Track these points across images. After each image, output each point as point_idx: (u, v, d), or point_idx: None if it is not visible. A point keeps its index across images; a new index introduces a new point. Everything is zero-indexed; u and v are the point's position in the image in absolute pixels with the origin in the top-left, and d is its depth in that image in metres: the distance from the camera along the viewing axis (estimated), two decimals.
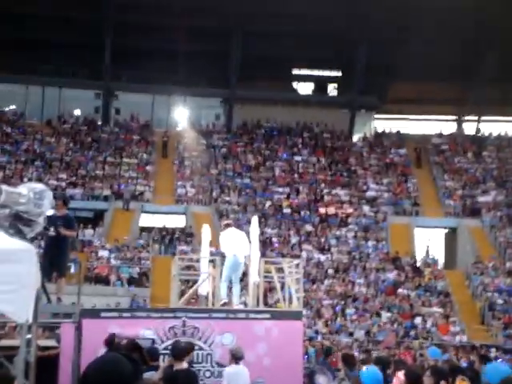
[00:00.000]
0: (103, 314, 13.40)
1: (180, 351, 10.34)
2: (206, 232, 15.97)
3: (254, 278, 14.64)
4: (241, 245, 14.25)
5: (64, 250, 12.82)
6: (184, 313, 13.86)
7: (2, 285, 6.98)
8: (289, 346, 13.56)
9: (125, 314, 13.81)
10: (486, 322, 33.08)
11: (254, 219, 15.51)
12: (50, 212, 12.09)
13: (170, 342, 13.57)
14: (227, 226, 14.91)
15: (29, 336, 7.72)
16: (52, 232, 12.77)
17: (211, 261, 15.33)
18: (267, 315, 13.97)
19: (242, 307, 14.83)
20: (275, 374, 13.06)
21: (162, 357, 12.47)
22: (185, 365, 10.20)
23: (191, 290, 15.14)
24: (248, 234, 15.05)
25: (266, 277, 15.84)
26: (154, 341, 13.21)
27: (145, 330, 13.33)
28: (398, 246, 37.39)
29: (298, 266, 15.09)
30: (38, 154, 41.21)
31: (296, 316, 14.02)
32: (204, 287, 15.11)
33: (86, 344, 11.89)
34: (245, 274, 15.86)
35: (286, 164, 42.97)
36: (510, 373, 10.42)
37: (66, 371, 12.45)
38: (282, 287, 15.25)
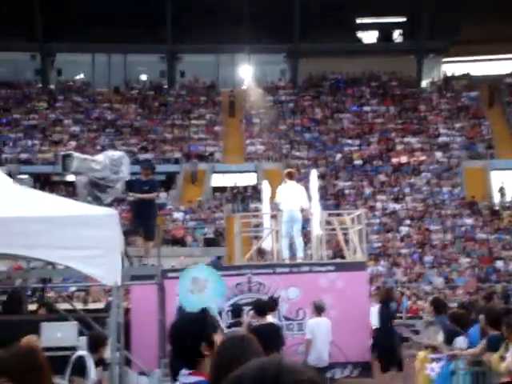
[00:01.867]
0: (170, 275, 13.65)
1: (262, 307, 10.55)
2: (265, 188, 16.01)
3: (316, 231, 14.64)
4: (295, 198, 14.20)
5: (151, 214, 12.99)
6: (249, 269, 14.01)
7: (90, 249, 7.26)
8: (354, 296, 13.58)
9: None
10: None
11: (313, 173, 15.46)
12: (134, 177, 12.40)
13: (236, 299, 13.78)
14: (289, 175, 14.69)
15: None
16: (130, 197, 12.97)
17: (273, 216, 15.38)
18: (331, 267, 14.00)
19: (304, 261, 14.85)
20: (342, 326, 13.11)
21: (228, 313, 12.70)
22: (269, 319, 10.38)
23: (255, 247, 15.25)
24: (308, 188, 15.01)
25: (332, 229, 15.83)
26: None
27: None
28: (473, 190, 36.66)
29: (359, 217, 14.98)
30: (108, 121, 41.95)
31: (360, 267, 14.00)
32: (267, 243, 15.20)
33: (152, 304, 12.16)
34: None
35: (354, 115, 42.48)
36: None
37: (138, 331, 12.80)
38: (347, 239, 15.22)
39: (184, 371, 3.87)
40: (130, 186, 12.77)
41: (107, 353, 8.26)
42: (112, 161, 11.64)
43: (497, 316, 8.93)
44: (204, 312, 4.23)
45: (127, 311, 12.70)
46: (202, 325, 4.01)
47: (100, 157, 11.50)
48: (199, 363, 3.87)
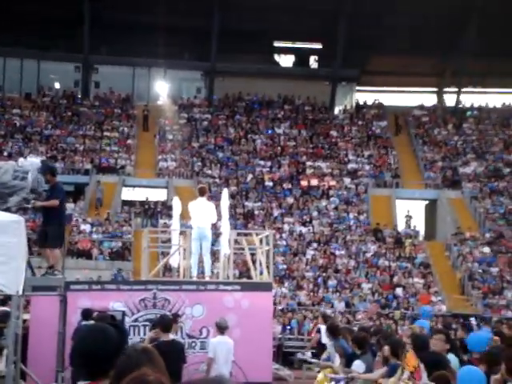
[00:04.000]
0: (73, 287, 13.44)
1: (166, 323, 10.47)
2: (176, 204, 15.98)
3: (224, 249, 14.70)
4: (205, 216, 14.25)
5: (49, 221, 12.44)
6: (155, 285, 13.93)
7: None
8: (258, 316, 13.67)
9: (94, 287, 13.86)
10: (466, 291, 33.41)
11: (225, 192, 15.53)
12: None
13: (140, 314, 13.66)
14: (200, 191, 14.71)
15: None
16: (29, 204, 12.55)
17: (182, 233, 15.37)
18: (237, 287, 14.07)
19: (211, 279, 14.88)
20: (245, 345, 13.16)
21: (131, 329, 12.57)
22: (171, 336, 10.32)
23: (162, 262, 15.19)
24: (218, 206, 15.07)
25: (241, 249, 15.91)
26: (124, 313, 13.26)
27: (115, 303, 13.40)
28: (379, 217, 37.55)
29: (268, 237, 15.13)
30: (17, 127, 40.98)
31: (266, 287, 14.12)
32: (175, 259, 15.16)
33: (52, 317, 11.93)
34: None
35: (267, 137, 42.92)
36: (489, 339, 10.70)
37: (35, 344, 12.51)
38: (254, 260, 15.33)
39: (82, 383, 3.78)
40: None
41: (1, 365, 8.04)
42: (19, 167, 11.43)
43: (398, 347, 9.23)
44: (116, 328, 4.15)
45: (25, 322, 12.42)
46: (111, 338, 3.92)
47: (2, 163, 11.30)
48: (100, 376, 3.80)
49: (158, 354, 3.66)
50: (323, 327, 15.19)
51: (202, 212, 14.12)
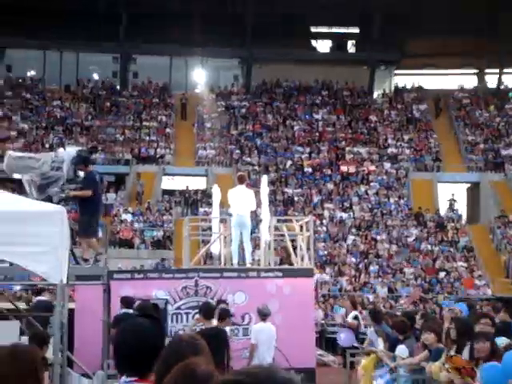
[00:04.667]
0: (116, 276, 13.56)
1: (209, 310, 10.51)
2: (216, 192, 16.02)
3: (264, 236, 14.70)
4: (245, 203, 14.24)
5: (83, 210, 12.48)
6: (196, 273, 14.00)
7: (36, 246, 7.12)
8: (300, 302, 13.67)
9: (137, 276, 13.98)
10: (511, 275, 32.98)
11: (264, 179, 15.53)
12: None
13: (182, 302, 13.74)
14: (240, 179, 14.68)
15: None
16: (63, 194, 12.60)
17: (222, 220, 15.39)
18: (278, 273, 14.07)
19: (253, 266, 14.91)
20: (287, 331, 13.16)
21: (170, 317, 12.65)
22: (214, 323, 10.37)
23: (202, 250, 15.25)
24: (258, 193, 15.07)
25: (282, 235, 15.90)
26: (167, 301, 13.36)
27: (157, 291, 13.49)
28: (420, 202, 37.21)
29: (308, 224, 15.09)
30: (58, 119, 41.44)
31: (307, 273, 14.11)
32: (216, 247, 15.20)
33: (97, 305, 12.06)
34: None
35: (305, 123, 42.75)
36: None
37: (81, 332, 12.68)
38: (295, 246, 15.31)
39: (124, 378, 3.74)
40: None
41: (49, 353, 8.16)
42: (55, 157, 11.55)
43: (441, 331, 9.17)
44: (155, 321, 4.12)
45: (72, 311, 12.57)
46: (151, 335, 3.86)
47: (42, 154, 11.41)
48: (145, 371, 3.74)
49: (203, 342, 3.65)
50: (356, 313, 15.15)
51: (242, 199, 14.12)
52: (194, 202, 36.80)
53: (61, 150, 12.03)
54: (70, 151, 11.63)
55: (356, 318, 15.05)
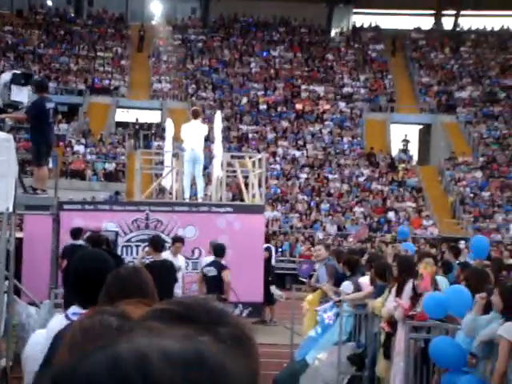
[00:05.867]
0: (66, 207, 13.54)
1: (159, 243, 10.60)
2: (169, 126, 15.95)
3: (217, 172, 14.75)
4: (198, 138, 14.23)
5: (33, 140, 12.22)
6: (147, 206, 14.04)
7: None
8: (250, 238, 13.84)
9: (88, 207, 13.97)
10: (457, 215, 33.72)
11: (218, 114, 15.49)
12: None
13: (132, 235, 13.81)
14: (194, 113, 14.63)
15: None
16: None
17: (175, 155, 15.38)
18: (229, 209, 14.19)
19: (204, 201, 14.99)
20: (236, 266, 13.34)
21: (123, 249, 12.73)
22: (162, 256, 10.47)
23: (154, 184, 15.25)
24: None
25: (234, 172, 15.97)
26: (117, 233, 13.41)
27: (108, 223, 13.52)
28: (373, 142, 37.53)
29: (260, 161, 15.17)
30: (9, 45, 40.43)
31: (258, 210, 14.25)
32: (168, 181, 15.22)
33: (46, 235, 12.07)
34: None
35: (262, 60, 42.47)
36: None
37: (29, 260, 12.69)
38: (247, 183, 15.41)
39: (75, 308, 3.75)
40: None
41: None
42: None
43: (384, 268, 9.39)
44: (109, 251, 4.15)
45: (20, 241, 12.55)
46: (109, 265, 3.87)
47: None
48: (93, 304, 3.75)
49: (146, 274, 3.65)
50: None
51: (196, 134, 14.11)
52: (147, 135, 36.56)
53: None
54: (4, 75, 11.36)
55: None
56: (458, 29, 46.48)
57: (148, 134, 36.49)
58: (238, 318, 1.37)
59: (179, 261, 11.47)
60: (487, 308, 6.90)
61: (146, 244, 11.68)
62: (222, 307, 1.56)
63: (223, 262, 11.33)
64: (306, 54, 43.07)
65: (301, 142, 37.25)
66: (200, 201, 14.72)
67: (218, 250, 11.42)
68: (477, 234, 31.24)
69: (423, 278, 8.19)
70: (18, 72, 11.58)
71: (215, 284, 11.02)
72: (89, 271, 3.80)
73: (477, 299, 6.99)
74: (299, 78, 41.19)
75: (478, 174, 35.58)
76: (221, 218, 13.93)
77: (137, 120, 37.96)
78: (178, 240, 11.72)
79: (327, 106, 39.52)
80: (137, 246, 13.59)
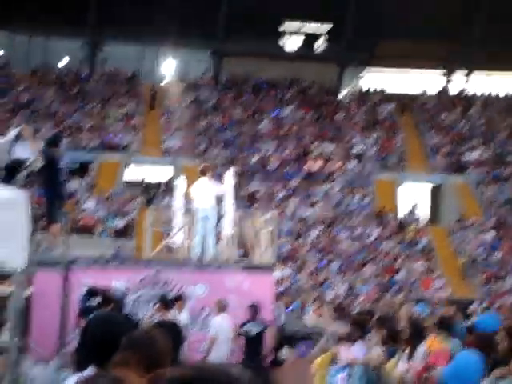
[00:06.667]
0: (75, 264, 13.50)
1: (168, 301, 10.56)
2: (181, 184, 16.00)
3: (227, 230, 14.73)
4: (208, 196, 14.27)
5: (46, 196, 12.26)
6: (157, 264, 13.99)
7: None
8: (259, 298, 13.73)
9: (97, 265, 13.92)
10: (468, 277, 33.48)
11: (229, 172, 15.53)
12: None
13: (141, 292, 13.74)
14: (202, 171, 14.69)
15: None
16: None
17: (186, 212, 15.39)
18: (239, 268, 14.12)
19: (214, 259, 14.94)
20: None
21: (129, 307, 12.63)
22: (172, 314, 10.40)
23: (164, 242, 15.24)
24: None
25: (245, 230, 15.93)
26: (125, 292, 13.33)
27: (117, 281, 13.46)
28: (383, 201, 37.55)
29: (271, 219, 15.16)
30: (23, 103, 40.96)
31: (267, 269, 14.18)
32: (178, 239, 15.20)
33: (55, 292, 12.01)
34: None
35: (273, 119, 42.81)
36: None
37: (38, 317, 12.60)
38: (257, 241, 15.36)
39: (91, 369, 3.83)
40: None
41: (4, 337, 8.12)
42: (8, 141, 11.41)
43: (397, 331, 9.31)
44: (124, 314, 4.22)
45: (29, 298, 12.48)
46: (121, 326, 4.01)
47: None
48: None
49: (160, 337, 3.68)
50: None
51: (205, 192, 14.15)
52: (155, 193, 36.69)
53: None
54: (11, 132, 11.47)
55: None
56: (467, 91, 46.85)
57: (159, 191, 36.61)
58: None
59: (184, 318, 11.41)
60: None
61: (155, 302, 11.61)
62: (238, 373, 1.52)
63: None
64: (316, 114, 43.40)
65: (311, 201, 37.26)
66: (210, 259, 14.67)
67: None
68: (488, 296, 31.06)
69: (439, 353, 8.09)
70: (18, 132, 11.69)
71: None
72: (105, 335, 3.94)
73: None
74: (309, 137, 41.43)
75: (489, 236, 35.42)
76: (230, 277, 13.87)
77: (146, 178, 38.14)
78: (179, 298, 11.73)
79: (337, 165, 39.64)
80: (145, 304, 13.50)
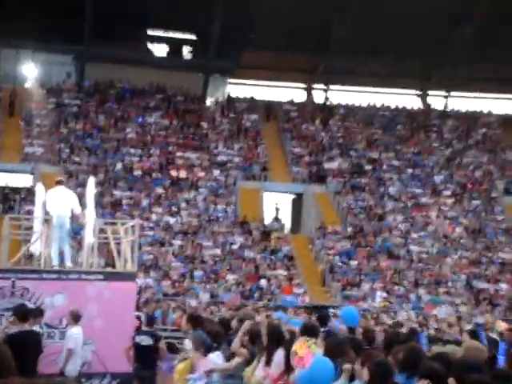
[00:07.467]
0: None
1: (24, 312, 10.28)
2: (40, 191, 15.66)
3: (88, 238, 14.57)
4: (64, 204, 14.11)
5: None
6: (14, 273, 13.63)
7: None
8: (121, 307, 13.65)
9: None
10: (327, 283, 34.50)
11: (91, 180, 15.39)
12: None
13: None
14: (58, 183, 14.66)
15: None
16: None
17: (46, 220, 15.09)
18: (100, 276, 13.99)
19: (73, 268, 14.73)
20: (105, 336, 13.12)
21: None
22: (27, 327, 10.15)
23: (22, 250, 14.87)
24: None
25: (105, 238, 15.81)
26: None
27: None
28: (247, 210, 38.07)
29: (133, 227, 15.11)
30: None
31: (129, 277, 14.12)
32: (36, 247, 14.88)
33: None
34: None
35: (137, 126, 42.53)
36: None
37: None
38: (119, 249, 15.27)
39: None
40: None
41: None
42: None
43: (257, 334, 9.51)
44: None
45: None
46: None
47: None
48: None
49: (5, 349, 3.64)
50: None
51: (61, 200, 13.99)
52: (14, 200, 35.57)
53: None
54: None
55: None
56: (328, 103, 48.35)
57: (18, 199, 35.50)
58: None
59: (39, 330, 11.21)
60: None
61: (11, 314, 11.31)
62: None
63: None
64: (181, 122, 43.49)
65: (175, 209, 37.28)
66: (68, 268, 14.44)
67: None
68: (345, 302, 32.12)
69: (304, 357, 8.33)
70: None
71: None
72: None
73: (344, 369, 7.22)
74: (174, 145, 41.46)
75: (347, 243, 36.69)
76: (91, 286, 13.71)
77: (6, 184, 36.91)
78: (38, 314, 11.51)
79: (202, 174, 39.89)
80: (1, 316, 13.10)
